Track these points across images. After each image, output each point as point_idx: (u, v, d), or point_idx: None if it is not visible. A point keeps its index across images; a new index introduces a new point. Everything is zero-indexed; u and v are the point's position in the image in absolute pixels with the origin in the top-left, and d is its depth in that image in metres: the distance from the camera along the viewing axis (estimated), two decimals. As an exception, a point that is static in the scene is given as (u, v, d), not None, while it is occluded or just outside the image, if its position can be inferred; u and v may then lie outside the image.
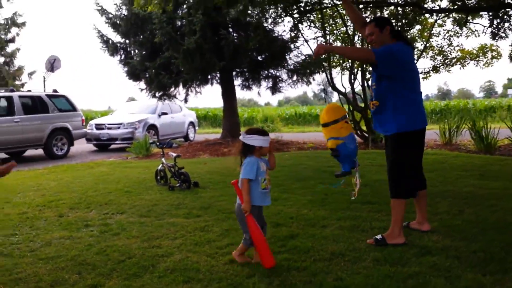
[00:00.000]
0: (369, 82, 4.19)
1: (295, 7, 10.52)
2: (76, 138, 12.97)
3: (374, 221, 4.36)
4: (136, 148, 11.43)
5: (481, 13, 10.67)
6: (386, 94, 3.74)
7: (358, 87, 12.17)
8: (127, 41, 14.33)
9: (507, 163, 7.77)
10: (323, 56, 8.33)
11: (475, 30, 12.12)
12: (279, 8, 10.94)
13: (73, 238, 4.22)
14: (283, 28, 23.27)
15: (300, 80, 14.05)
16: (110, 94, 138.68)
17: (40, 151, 12.59)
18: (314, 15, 12.40)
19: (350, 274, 3.10)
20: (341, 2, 11.52)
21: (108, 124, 14.36)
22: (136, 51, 14.26)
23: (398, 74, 3.68)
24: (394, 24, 4.11)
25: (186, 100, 14.67)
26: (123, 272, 3.30)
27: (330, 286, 2.94)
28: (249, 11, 11.45)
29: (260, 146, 3.36)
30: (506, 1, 8.71)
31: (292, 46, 13.53)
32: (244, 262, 3.38)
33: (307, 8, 10.96)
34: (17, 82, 26.15)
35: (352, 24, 11.37)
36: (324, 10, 11.91)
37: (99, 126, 14.37)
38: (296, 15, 11.20)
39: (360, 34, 11.02)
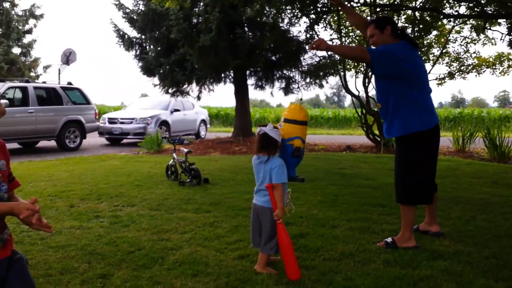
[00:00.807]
0: None
1: (312, 7, 10.47)
2: (88, 131, 13.04)
3: (385, 223, 4.32)
4: (148, 143, 11.48)
5: (499, 20, 10.55)
6: (387, 95, 3.64)
7: (372, 91, 12.10)
8: (143, 36, 14.45)
9: (521, 172, 7.67)
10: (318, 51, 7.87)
11: (492, 38, 12.01)
12: (296, 8, 10.91)
13: (83, 228, 4.24)
14: (299, 29, 23.16)
15: (313, 82, 14.03)
16: (123, 90, 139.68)
17: (52, 143, 12.69)
18: (331, 17, 12.35)
19: (360, 274, 3.08)
20: (358, 4, 11.52)
21: (121, 118, 14.43)
22: (152, 46, 14.37)
23: (397, 74, 3.54)
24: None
25: (199, 98, 14.77)
26: (132, 263, 3.31)
27: (340, 285, 2.92)
28: (266, 11, 11.46)
29: (279, 143, 3.16)
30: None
31: (307, 47, 13.50)
32: (271, 272, 3.11)
33: (324, 9, 10.91)
34: (32, 74, 26.39)
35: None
36: (341, 12, 11.85)
37: (112, 120, 14.46)
38: (312, 16, 11.16)
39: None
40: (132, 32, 14.53)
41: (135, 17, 13.99)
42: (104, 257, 3.44)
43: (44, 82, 13.42)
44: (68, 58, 19.60)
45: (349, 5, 11.40)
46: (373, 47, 3.82)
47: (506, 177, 7.13)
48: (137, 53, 14.55)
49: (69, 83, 13.24)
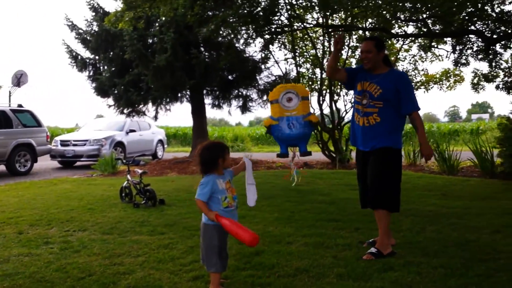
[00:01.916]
0: (357, 96, 4.22)
1: (266, 28, 10.66)
2: (40, 154, 12.64)
3: (339, 238, 4.39)
4: (102, 165, 11.24)
5: (445, 39, 11.05)
6: (390, 114, 3.88)
7: (326, 108, 12.37)
8: (97, 57, 14.22)
9: (468, 184, 7.99)
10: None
11: (439, 55, 12.57)
12: (250, 29, 11.07)
13: (32, 255, 4.08)
14: (254, 49, 23.47)
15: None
16: (78, 111, 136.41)
17: (2, 167, 12.20)
18: (285, 37, 12.59)
19: (313, 290, 3.10)
20: (311, 25, 11.80)
21: (74, 140, 14.09)
22: (105, 67, 14.16)
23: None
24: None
25: (156, 118, 14.61)
26: (82, 290, 3.21)
27: (293, 302, 2.93)
28: (221, 31, 11.56)
29: (223, 159, 3.20)
30: (469, 28, 9.03)
31: (262, 66, 13.69)
32: None
33: (277, 30, 11.13)
34: (-20, 97, 25.43)
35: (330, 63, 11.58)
36: (294, 33, 12.12)
37: (64, 143, 14.07)
38: (267, 36, 11.35)
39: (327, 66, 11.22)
40: (85, 53, 14.30)
41: (88, 37, 13.78)
42: (53, 284, 3.32)
43: (-7, 105, 12.95)
44: (19, 80, 19.01)
45: (302, 26, 11.79)
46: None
47: (455, 189, 7.40)
48: (91, 73, 14.30)
49: (20, 106, 12.85)
